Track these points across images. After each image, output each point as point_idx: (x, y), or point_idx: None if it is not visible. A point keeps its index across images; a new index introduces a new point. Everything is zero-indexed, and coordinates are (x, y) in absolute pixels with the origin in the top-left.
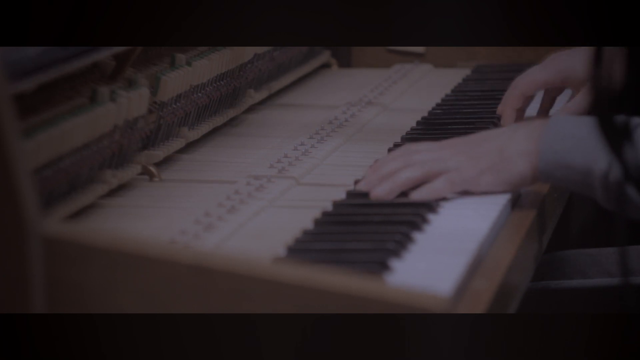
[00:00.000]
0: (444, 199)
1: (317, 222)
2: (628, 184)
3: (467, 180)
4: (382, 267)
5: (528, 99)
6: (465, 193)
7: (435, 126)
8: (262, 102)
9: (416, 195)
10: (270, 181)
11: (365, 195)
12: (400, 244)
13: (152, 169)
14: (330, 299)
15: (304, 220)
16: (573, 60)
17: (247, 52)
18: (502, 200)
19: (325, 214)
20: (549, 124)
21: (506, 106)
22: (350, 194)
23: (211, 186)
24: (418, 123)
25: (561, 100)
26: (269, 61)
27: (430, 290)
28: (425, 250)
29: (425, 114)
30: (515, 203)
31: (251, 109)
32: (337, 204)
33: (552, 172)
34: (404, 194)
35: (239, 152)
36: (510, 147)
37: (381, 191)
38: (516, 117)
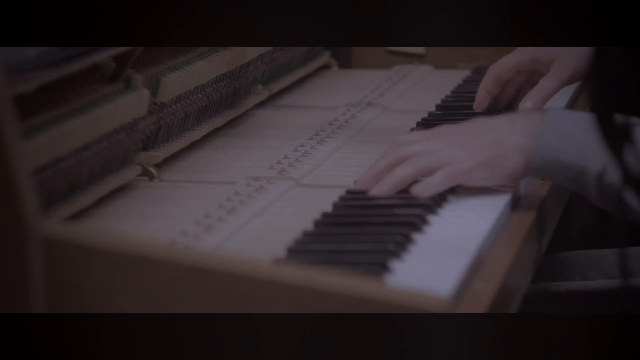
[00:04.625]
0: (444, 199)
1: (317, 223)
2: (625, 186)
3: (463, 174)
4: (382, 268)
5: (502, 85)
6: (465, 194)
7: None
8: (262, 103)
9: (416, 190)
10: (270, 182)
11: (365, 196)
12: (401, 245)
13: (152, 170)
14: (330, 300)
15: (304, 221)
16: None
17: (247, 53)
18: (502, 201)
19: (325, 215)
20: (545, 119)
21: (480, 89)
22: (350, 195)
23: (211, 187)
24: (418, 124)
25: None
26: (269, 62)
27: (431, 292)
28: (426, 252)
29: (425, 115)
30: (515, 205)
31: (251, 110)
32: (337, 205)
33: (546, 169)
34: (403, 191)
35: (239, 153)
36: (506, 141)
37: (378, 192)
38: (490, 102)
